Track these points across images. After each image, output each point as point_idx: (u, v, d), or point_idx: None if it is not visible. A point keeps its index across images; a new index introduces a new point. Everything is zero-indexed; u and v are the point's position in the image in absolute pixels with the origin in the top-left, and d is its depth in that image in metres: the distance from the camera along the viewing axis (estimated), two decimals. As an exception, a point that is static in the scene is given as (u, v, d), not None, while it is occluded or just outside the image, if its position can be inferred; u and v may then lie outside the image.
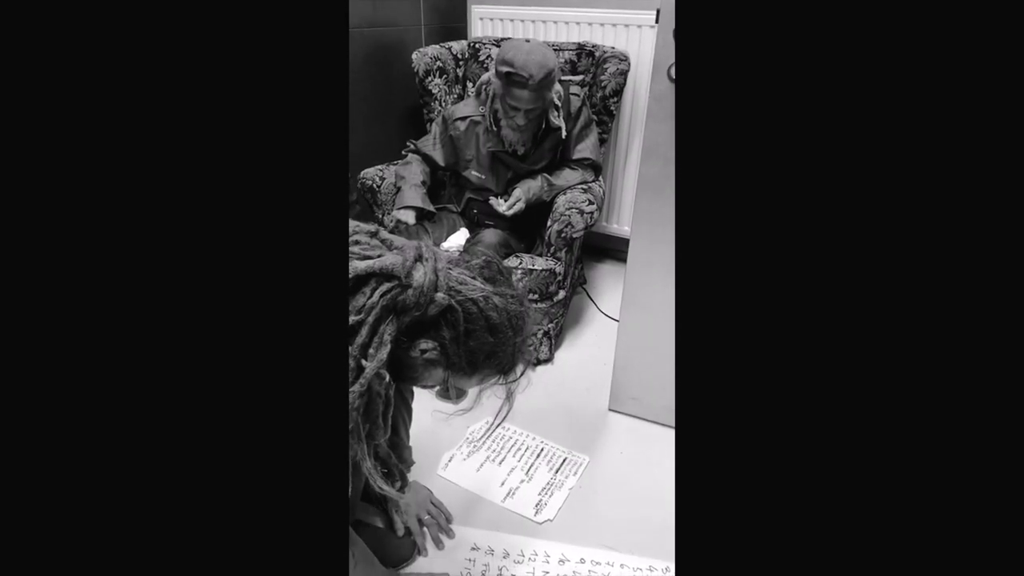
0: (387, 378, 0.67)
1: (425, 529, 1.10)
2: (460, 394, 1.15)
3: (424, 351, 0.71)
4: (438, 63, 1.81)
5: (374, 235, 0.74)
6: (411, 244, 0.72)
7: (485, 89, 1.53)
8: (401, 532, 1.06)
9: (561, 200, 1.54)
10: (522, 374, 0.82)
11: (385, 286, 0.66)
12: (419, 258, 0.70)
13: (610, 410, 1.45)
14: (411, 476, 1.18)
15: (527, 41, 1.43)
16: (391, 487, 0.75)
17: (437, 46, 1.83)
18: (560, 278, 1.54)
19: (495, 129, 1.54)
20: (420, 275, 0.68)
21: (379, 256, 0.69)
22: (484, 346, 0.71)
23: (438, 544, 1.09)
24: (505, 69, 1.39)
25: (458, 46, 1.88)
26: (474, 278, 0.72)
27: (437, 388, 0.81)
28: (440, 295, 0.68)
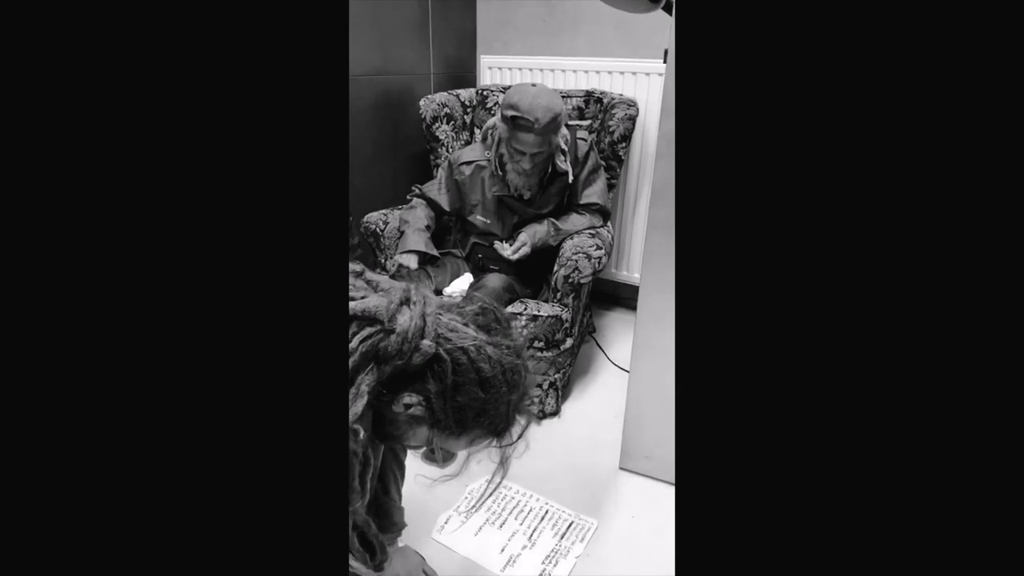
0: (361, 434, 0.60)
1: None
2: (447, 456, 1.07)
3: (408, 406, 0.64)
4: (445, 110, 1.81)
5: (359, 275, 0.68)
6: (398, 286, 0.66)
7: (491, 133, 1.51)
8: None
9: (568, 245, 1.49)
10: (519, 437, 0.74)
11: (366, 331, 0.60)
12: (405, 301, 0.64)
13: (621, 469, 1.35)
14: (402, 540, 1.09)
15: (533, 85, 1.41)
16: (369, 562, 0.67)
17: (445, 93, 1.84)
18: (567, 325, 1.47)
19: (500, 174, 1.52)
20: (405, 320, 0.61)
21: (362, 298, 0.63)
22: (474, 402, 0.64)
23: None
24: (511, 113, 1.37)
25: (466, 93, 1.88)
26: (467, 325, 0.66)
27: (422, 449, 0.74)
28: (426, 342, 0.61)
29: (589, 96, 1.75)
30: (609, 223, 1.66)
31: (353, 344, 0.59)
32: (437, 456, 0.87)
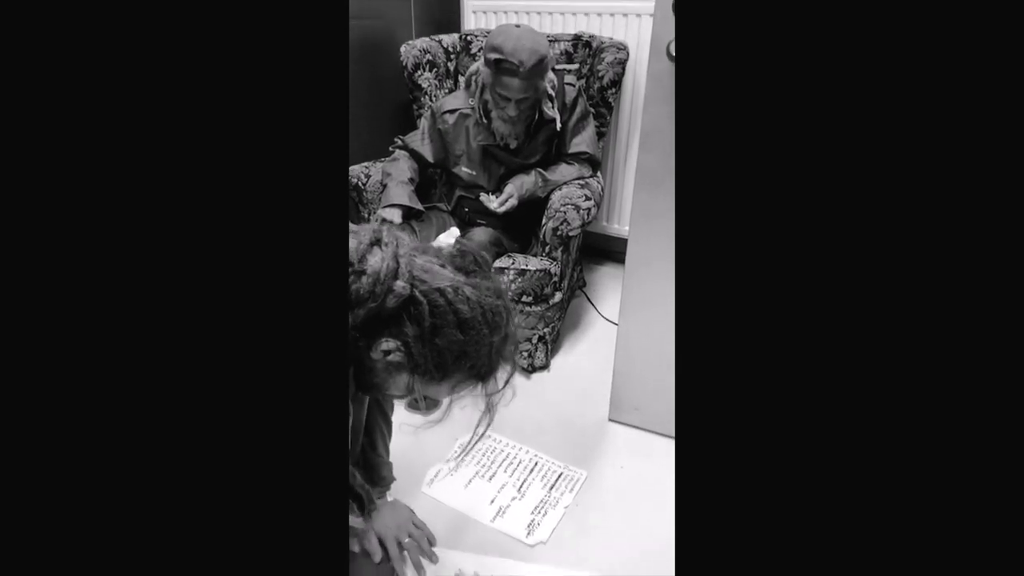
0: None
1: (406, 553, 1.00)
2: (431, 404, 1.05)
3: (386, 352, 0.62)
4: (428, 56, 1.73)
5: None
6: (367, 227, 0.62)
7: (474, 79, 1.44)
8: (378, 558, 0.96)
9: (556, 196, 1.45)
10: (506, 383, 0.72)
11: None
12: (376, 242, 0.60)
13: (610, 420, 1.35)
14: (392, 494, 1.09)
15: (517, 26, 1.34)
16: (357, 511, 0.66)
17: (427, 39, 1.76)
18: (556, 279, 1.44)
19: (485, 122, 1.46)
20: (376, 260, 0.58)
21: None
22: (454, 345, 0.61)
23: (419, 570, 0.99)
24: (494, 56, 1.30)
25: (449, 39, 1.80)
26: (443, 266, 0.63)
27: (407, 399, 0.72)
28: (400, 283, 0.59)
29: (577, 40, 1.67)
30: (599, 173, 1.62)
31: None
32: (420, 405, 0.85)
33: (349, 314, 0.58)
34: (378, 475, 1.02)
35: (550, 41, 1.66)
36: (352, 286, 0.57)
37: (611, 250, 2.13)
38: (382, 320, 0.60)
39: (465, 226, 1.55)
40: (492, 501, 1.14)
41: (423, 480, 1.18)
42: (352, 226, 0.63)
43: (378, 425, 1.00)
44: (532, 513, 1.12)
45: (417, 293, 0.60)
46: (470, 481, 1.19)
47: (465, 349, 0.62)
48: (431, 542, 1.02)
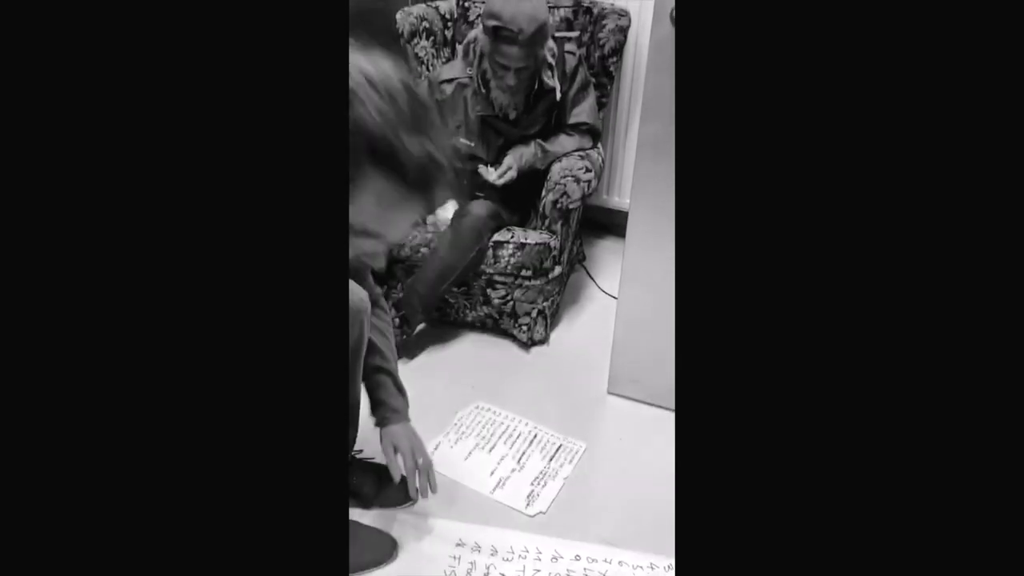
0: None
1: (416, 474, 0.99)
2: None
3: None
4: (424, 23, 1.69)
5: None
6: None
7: (472, 48, 1.41)
8: (398, 477, 0.98)
9: (556, 168, 1.43)
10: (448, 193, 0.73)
11: None
12: None
13: (609, 393, 1.36)
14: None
15: (517, -8, 1.30)
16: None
17: (423, 5, 1.71)
18: (556, 253, 1.43)
19: (484, 92, 1.43)
20: None
21: None
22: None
23: (424, 492, 1.00)
24: (492, 23, 1.27)
25: (446, 5, 1.75)
26: None
27: None
28: None
29: (578, 6, 1.63)
30: (600, 145, 1.59)
31: None
32: None
33: None
34: (396, 385, 1.03)
35: (550, 8, 1.61)
36: None
37: (612, 223, 2.11)
38: None
39: (463, 198, 1.53)
40: (492, 472, 1.15)
41: (423, 452, 1.19)
42: None
43: (378, 350, 0.99)
44: (531, 484, 1.13)
45: None
46: (470, 453, 1.20)
47: (356, 123, 0.54)
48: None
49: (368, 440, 1.05)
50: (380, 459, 1.08)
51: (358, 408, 0.99)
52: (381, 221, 0.60)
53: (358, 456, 1.08)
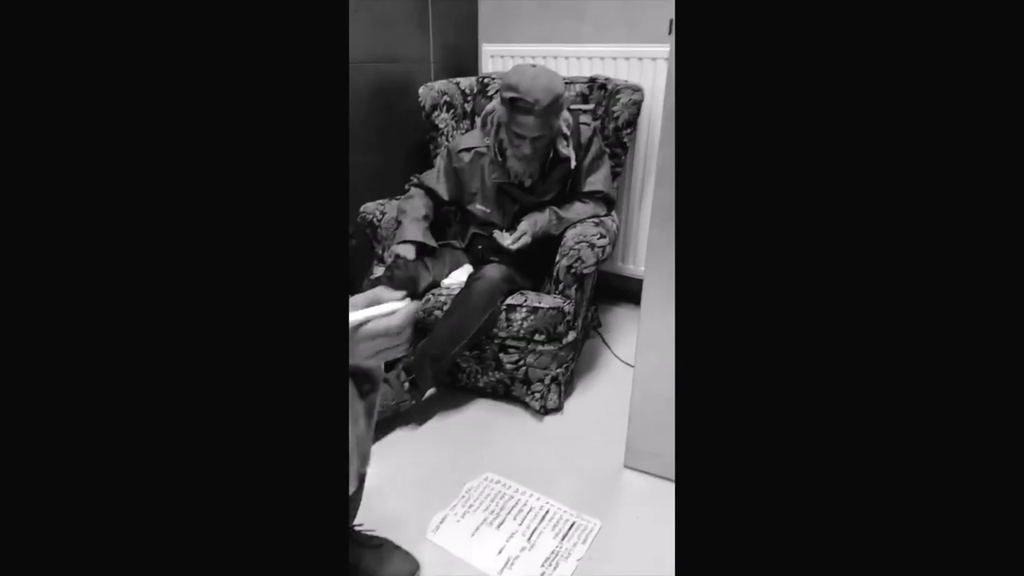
0: None
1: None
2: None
3: None
4: (445, 97, 1.76)
5: None
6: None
7: (490, 118, 1.46)
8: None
9: (570, 234, 1.43)
10: None
11: None
12: None
13: (626, 467, 1.29)
14: (398, 540, 1.03)
15: (533, 66, 1.36)
16: None
17: (445, 81, 1.79)
18: (570, 317, 1.41)
19: (500, 160, 1.46)
20: None
21: None
22: None
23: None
24: (510, 94, 1.32)
25: (466, 81, 1.83)
26: None
27: None
28: None
29: (593, 82, 1.69)
30: (614, 212, 1.60)
31: None
32: None
33: None
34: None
35: (566, 84, 1.68)
36: None
37: (627, 290, 2.09)
38: None
39: (478, 263, 1.53)
40: (500, 551, 1.08)
41: (428, 527, 1.12)
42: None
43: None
44: (543, 566, 1.05)
45: None
46: (477, 528, 1.13)
47: None
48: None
49: (370, 510, 1.00)
50: (380, 532, 1.03)
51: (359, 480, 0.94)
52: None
53: (358, 529, 1.02)
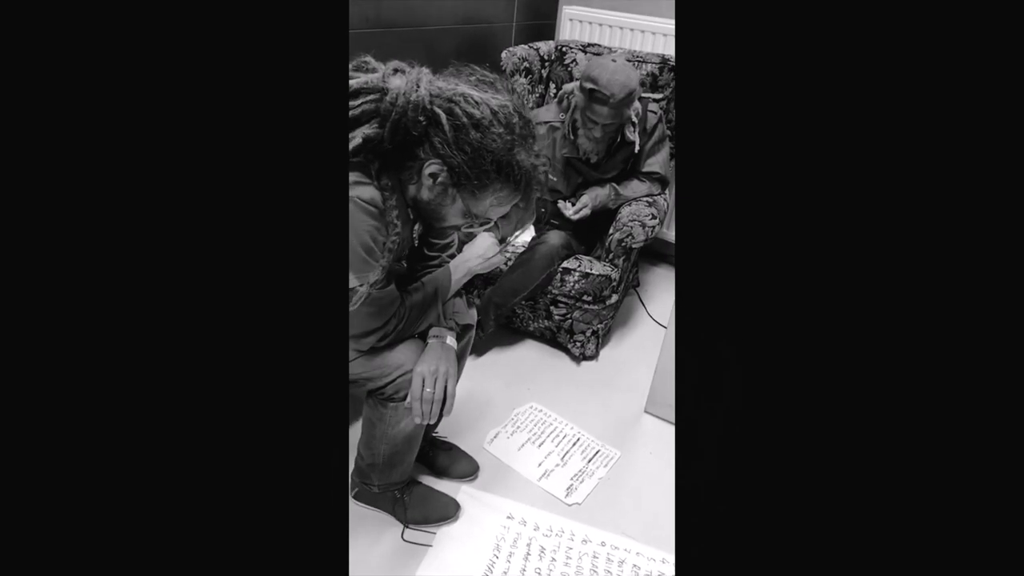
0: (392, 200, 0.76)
1: (429, 392, 0.93)
2: (484, 223, 0.99)
3: (433, 176, 0.77)
4: (525, 63, 1.90)
5: (356, 69, 0.78)
6: (391, 64, 0.77)
7: (568, 98, 1.62)
8: (418, 418, 0.93)
9: (626, 211, 1.63)
10: (539, 193, 0.84)
11: (363, 97, 0.73)
12: (396, 71, 0.76)
13: (646, 412, 1.57)
14: (463, 447, 1.34)
15: (613, 61, 1.50)
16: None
17: (525, 47, 1.92)
18: (615, 284, 1.64)
19: (572, 137, 1.64)
20: (399, 82, 0.74)
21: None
22: (477, 144, 0.74)
23: (424, 418, 0.94)
24: (589, 86, 1.48)
25: (545, 47, 1.96)
26: (457, 85, 0.77)
27: (463, 227, 0.89)
28: (418, 93, 0.72)
29: (664, 63, 1.81)
30: (667, 191, 1.78)
31: (354, 111, 0.72)
32: (473, 223, 0.82)
33: (378, 126, 0.71)
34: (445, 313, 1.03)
35: (638, 61, 1.81)
36: (378, 104, 0.71)
37: (667, 253, 2.29)
38: (412, 141, 0.74)
39: (540, 225, 1.75)
40: (539, 464, 1.39)
41: (485, 439, 1.43)
42: (372, 64, 0.77)
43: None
44: (571, 479, 1.36)
45: (436, 108, 0.72)
46: (522, 446, 1.43)
47: (488, 147, 0.74)
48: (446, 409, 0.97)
49: (442, 422, 1.30)
50: (454, 440, 1.34)
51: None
52: (494, 213, 0.87)
53: (438, 437, 1.33)
